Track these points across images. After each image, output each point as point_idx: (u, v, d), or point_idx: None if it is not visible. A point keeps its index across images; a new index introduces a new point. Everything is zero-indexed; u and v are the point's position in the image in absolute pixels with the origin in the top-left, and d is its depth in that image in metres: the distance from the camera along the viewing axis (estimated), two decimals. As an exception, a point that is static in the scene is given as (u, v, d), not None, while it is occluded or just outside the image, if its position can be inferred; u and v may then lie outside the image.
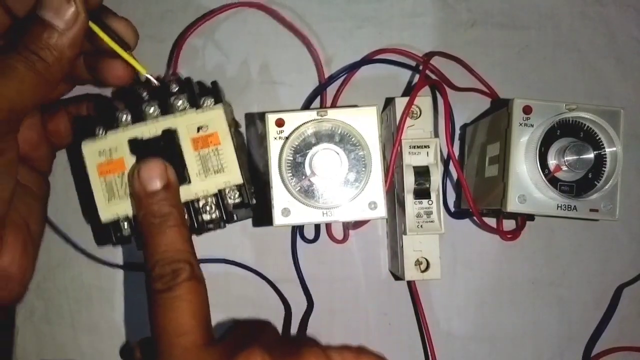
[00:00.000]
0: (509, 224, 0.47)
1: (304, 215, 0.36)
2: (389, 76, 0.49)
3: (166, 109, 0.36)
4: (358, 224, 0.47)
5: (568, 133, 0.38)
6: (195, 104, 0.36)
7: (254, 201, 0.37)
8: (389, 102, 0.45)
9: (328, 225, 0.47)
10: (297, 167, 0.36)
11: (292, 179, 0.36)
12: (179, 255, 0.32)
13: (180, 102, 0.36)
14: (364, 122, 0.36)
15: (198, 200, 0.36)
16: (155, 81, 0.37)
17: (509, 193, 0.38)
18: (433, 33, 0.49)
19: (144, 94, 0.37)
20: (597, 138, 0.38)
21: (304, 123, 0.36)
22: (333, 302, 0.48)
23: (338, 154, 0.35)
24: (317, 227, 0.47)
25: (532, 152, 0.37)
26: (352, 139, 0.36)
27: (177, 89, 0.37)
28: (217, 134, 0.36)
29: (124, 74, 0.36)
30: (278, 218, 0.36)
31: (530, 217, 0.44)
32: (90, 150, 0.35)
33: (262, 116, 0.36)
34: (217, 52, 0.48)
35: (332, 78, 0.48)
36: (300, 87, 0.48)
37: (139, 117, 0.36)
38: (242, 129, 0.48)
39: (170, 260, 0.31)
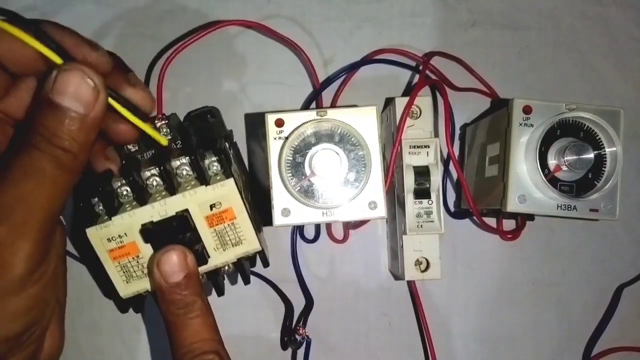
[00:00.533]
0: (509, 224, 0.47)
1: (304, 215, 0.36)
2: (389, 76, 0.49)
3: (169, 179, 0.33)
4: (358, 224, 0.47)
5: (568, 133, 0.38)
6: (202, 176, 0.33)
7: (269, 264, 0.37)
8: (389, 102, 0.45)
9: (328, 225, 0.47)
10: (296, 167, 0.36)
11: (292, 179, 0.35)
12: (207, 345, 0.31)
13: (185, 171, 0.33)
14: (363, 122, 0.36)
15: (218, 269, 0.36)
16: (175, 146, 0.35)
17: (509, 193, 0.38)
18: (433, 33, 0.49)
19: (137, 153, 0.35)
20: (597, 138, 0.38)
21: (304, 123, 0.35)
22: (333, 301, 0.48)
23: (338, 154, 0.35)
24: (317, 227, 0.47)
25: (532, 152, 0.37)
26: (352, 139, 0.36)
27: (178, 147, 0.35)
28: (232, 209, 0.33)
29: (131, 134, 0.33)
30: (278, 218, 0.36)
31: (530, 217, 0.44)
32: (98, 238, 0.32)
33: (261, 116, 0.36)
34: (212, 55, 0.48)
35: (330, 80, 0.48)
36: (300, 87, 0.48)
37: (141, 192, 0.33)
38: (241, 130, 0.48)
39: (199, 352, 0.31)
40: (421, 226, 0.40)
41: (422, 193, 0.40)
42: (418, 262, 0.42)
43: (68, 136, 0.26)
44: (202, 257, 0.34)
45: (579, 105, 0.38)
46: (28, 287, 0.27)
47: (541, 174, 0.37)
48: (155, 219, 0.33)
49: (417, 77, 0.48)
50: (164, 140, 0.34)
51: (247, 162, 0.48)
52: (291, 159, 0.36)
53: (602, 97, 0.49)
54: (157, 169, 0.33)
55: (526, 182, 0.38)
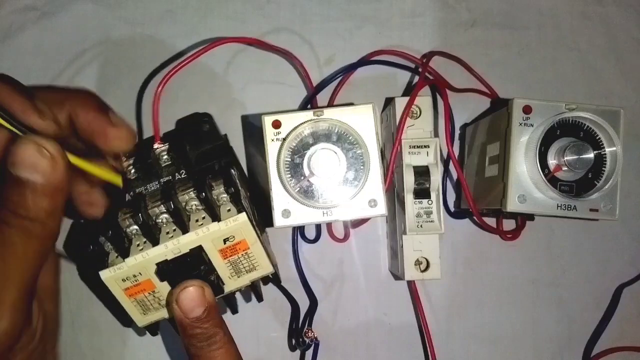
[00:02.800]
0: (509, 224, 0.47)
1: (305, 215, 0.36)
2: (388, 76, 0.49)
3: (179, 216, 0.33)
4: (358, 223, 0.47)
5: (568, 133, 0.38)
6: (211, 210, 0.33)
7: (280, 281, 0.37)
8: (389, 102, 0.45)
9: (329, 225, 0.47)
10: (295, 168, 0.35)
11: (291, 180, 0.35)
12: None
13: (194, 207, 0.33)
14: (360, 120, 0.36)
15: (233, 293, 0.36)
16: (180, 175, 0.35)
17: (509, 193, 0.38)
18: (433, 33, 0.49)
19: (140, 184, 0.35)
20: (597, 138, 0.38)
21: (301, 124, 0.35)
22: (333, 301, 0.48)
23: (336, 153, 0.35)
24: (318, 226, 0.47)
25: (532, 152, 0.37)
26: (350, 138, 0.36)
27: (182, 176, 0.35)
28: (245, 241, 0.34)
29: (123, 143, 0.33)
30: (279, 220, 0.36)
31: (530, 217, 0.44)
32: (113, 280, 0.32)
33: (258, 118, 0.36)
34: (212, 56, 0.48)
35: (326, 82, 0.47)
36: (298, 87, 0.48)
37: (148, 228, 0.33)
38: (240, 131, 0.48)
39: None
40: (421, 226, 0.40)
41: (422, 193, 0.40)
42: (418, 262, 0.42)
43: (33, 206, 0.26)
44: (217, 287, 0.34)
45: (579, 105, 0.38)
46: (12, 359, 0.28)
47: (541, 173, 0.37)
48: (169, 257, 0.33)
49: (416, 77, 0.48)
50: (118, 181, 0.33)
51: (246, 165, 0.48)
52: (289, 160, 0.36)
53: (602, 97, 0.49)
54: (164, 205, 0.33)
55: (526, 182, 0.38)
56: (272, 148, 0.36)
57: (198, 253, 0.33)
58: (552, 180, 0.37)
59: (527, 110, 0.38)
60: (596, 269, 0.49)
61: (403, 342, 0.48)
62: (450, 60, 0.47)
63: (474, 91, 0.47)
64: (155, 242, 0.33)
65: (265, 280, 0.37)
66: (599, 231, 0.49)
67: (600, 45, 0.50)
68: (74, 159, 0.29)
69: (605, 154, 0.38)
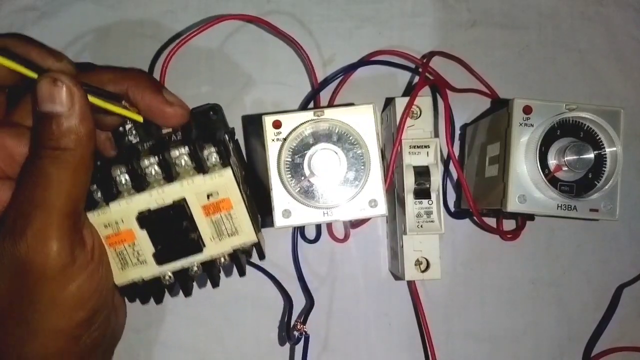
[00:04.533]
0: (509, 224, 0.47)
1: (305, 215, 0.36)
2: (388, 76, 0.49)
3: (168, 168, 0.33)
4: (359, 223, 0.47)
5: (568, 133, 0.38)
6: (200, 165, 0.33)
7: (265, 257, 0.37)
8: (389, 102, 0.45)
9: (329, 225, 0.47)
10: (296, 168, 0.35)
11: (291, 180, 0.35)
12: None
13: (183, 161, 0.34)
14: (361, 120, 0.36)
15: (214, 260, 0.36)
16: (176, 137, 0.36)
17: (509, 193, 0.38)
18: (433, 33, 0.49)
19: (138, 144, 0.36)
20: (597, 138, 0.38)
21: (301, 124, 0.35)
22: (334, 301, 0.48)
23: (336, 153, 0.35)
24: (318, 227, 0.47)
25: (532, 152, 0.37)
26: (350, 138, 0.36)
27: (178, 138, 0.36)
28: (229, 200, 0.34)
29: (179, 120, 0.35)
30: (279, 220, 0.36)
31: (530, 217, 0.44)
32: (95, 223, 0.33)
33: (259, 118, 0.36)
34: (211, 56, 0.48)
35: (327, 81, 0.48)
36: (298, 88, 0.48)
37: (139, 180, 0.33)
38: (239, 132, 0.48)
39: None
40: (421, 226, 0.40)
41: (422, 193, 0.40)
42: (418, 262, 0.42)
43: (60, 135, 0.28)
44: (197, 245, 0.34)
45: (579, 105, 0.38)
46: (75, 278, 0.30)
47: (541, 174, 0.37)
48: (153, 207, 0.33)
49: (416, 78, 0.48)
50: (138, 117, 0.35)
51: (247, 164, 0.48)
52: (290, 160, 0.36)
53: (602, 97, 0.49)
54: (156, 157, 0.33)
55: (526, 182, 0.38)
56: (272, 148, 0.36)
57: (181, 206, 0.33)
58: (552, 180, 0.37)
59: (527, 110, 0.38)
60: (596, 269, 0.49)
61: (403, 343, 0.48)
62: (451, 60, 0.47)
63: (474, 91, 0.47)
64: (142, 192, 0.33)
65: (249, 254, 0.36)
66: (599, 231, 0.49)
67: (600, 45, 0.50)
68: (93, 99, 0.30)
69: (605, 154, 0.38)
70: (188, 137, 0.35)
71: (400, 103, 0.41)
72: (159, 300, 0.36)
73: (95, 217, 0.33)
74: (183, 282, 0.36)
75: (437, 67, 0.47)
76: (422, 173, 0.40)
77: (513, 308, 0.49)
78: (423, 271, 0.42)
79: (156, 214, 0.33)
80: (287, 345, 0.47)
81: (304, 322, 0.44)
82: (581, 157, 0.37)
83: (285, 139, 0.35)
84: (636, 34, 0.50)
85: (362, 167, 0.35)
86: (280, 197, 0.36)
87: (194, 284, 0.40)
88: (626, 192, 0.39)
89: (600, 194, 0.37)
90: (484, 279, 0.49)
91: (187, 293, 0.37)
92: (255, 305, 0.48)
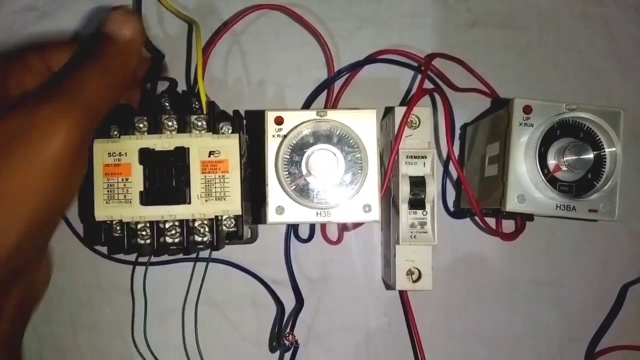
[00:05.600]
0: (508, 224, 0.47)
1: (298, 214, 0.36)
2: (389, 78, 0.49)
3: (184, 126, 0.37)
4: (352, 226, 0.46)
5: (568, 133, 0.38)
6: (213, 128, 0.37)
7: (249, 235, 0.38)
8: (389, 110, 0.45)
9: (323, 226, 0.47)
10: (293, 166, 0.36)
11: (288, 177, 0.36)
12: None
13: (200, 123, 0.37)
14: (363, 124, 0.36)
15: (194, 220, 0.37)
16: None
17: (508, 193, 0.38)
18: (433, 33, 0.49)
19: (167, 106, 0.38)
20: (597, 138, 0.38)
21: (303, 122, 0.36)
22: (333, 302, 0.48)
23: (335, 154, 0.35)
24: (312, 227, 0.47)
25: (532, 152, 0.37)
26: (350, 141, 0.36)
27: (199, 108, 0.38)
28: (227, 162, 0.36)
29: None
30: (272, 216, 0.36)
31: (530, 217, 0.44)
32: (101, 149, 0.36)
33: (261, 114, 0.36)
34: (220, 53, 0.48)
35: (340, 73, 0.47)
36: (301, 87, 0.48)
37: (156, 128, 0.37)
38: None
39: None
40: (414, 237, 0.40)
41: (417, 203, 0.40)
42: (410, 272, 0.42)
43: (118, 52, 0.32)
44: (184, 197, 0.36)
45: (579, 106, 0.38)
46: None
47: (541, 174, 0.37)
48: (158, 148, 0.36)
49: (418, 78, 0.48)
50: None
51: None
52: (288, 157, 0.36)
53: (602, 97, 0.49)
54: (175, 112, 0.37)
55: (526, 182, 0.38)
56: (272, 144, 0.36)
57: (182, 153, 0.36)
58: (552, 180, 0.37)
59: (527, 110, 0.38)
60: (596, 269, 0.49)
61: (403, 343, 0.48)
62: (451, 60, 0.47)
63: (475, 91, 0.47)
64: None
65: (231, 235, 0.37)
66: (599, 231, 0.49)
67: (600, 45, 0.50)
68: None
69: (605, 155, 0.38)
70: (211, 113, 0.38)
71: (400, 112, 0.41)
72: (127, 252, 0.37)
73: (103, 144, 0.36)
74: (158, 245, 0.37)
75: (438, 68, 0.47)
76: (417, 183, 0.39)
77: (513, 308, 0.49)
78: (415, 281, 0.42)
79: (157, 155, 0.36)
80: (276, 351, 0.47)
81: (293, 327, 0.44)
82: (581, 157, 0.37)
83: (285, 136, 0.36)
84: (636, 34, 0.50)
85: (359, 171, 0.35)
86: (275, 193, 0.36)
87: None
88: (626, 192, 0.39)
89: (599, 194, 0.37)
90: (484, 279, 0.49)
91: (160, 253, 0.37)
92: (246, 308, 0.48)
